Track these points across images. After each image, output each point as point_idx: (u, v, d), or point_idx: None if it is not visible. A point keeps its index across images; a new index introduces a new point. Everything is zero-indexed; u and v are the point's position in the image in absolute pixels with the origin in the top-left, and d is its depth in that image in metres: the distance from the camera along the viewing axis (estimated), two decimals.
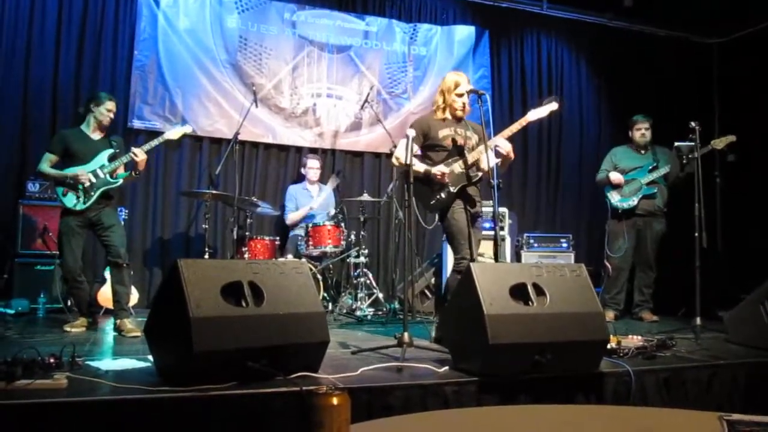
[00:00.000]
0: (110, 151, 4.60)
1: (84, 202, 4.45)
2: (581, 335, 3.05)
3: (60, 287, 5.36)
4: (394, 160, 4.16)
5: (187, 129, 5.00)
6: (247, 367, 2.62)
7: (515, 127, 4.11)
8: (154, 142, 4.68)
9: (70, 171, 4.46)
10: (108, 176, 4.54)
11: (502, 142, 3.97)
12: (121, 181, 4.61)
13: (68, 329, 4.36)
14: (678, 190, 5.63)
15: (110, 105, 4.64)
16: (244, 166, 6.53)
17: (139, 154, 4.52)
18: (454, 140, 4.09)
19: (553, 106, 4.20)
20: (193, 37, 6.46)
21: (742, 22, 7.71)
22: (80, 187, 4.45)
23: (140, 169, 4.64)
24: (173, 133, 4.80)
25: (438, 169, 4.00)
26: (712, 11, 7.58)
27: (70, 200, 4.44)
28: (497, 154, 3.99)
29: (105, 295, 5.13)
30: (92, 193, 4.46)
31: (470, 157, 4.07)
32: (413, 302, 5.73)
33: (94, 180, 4.47)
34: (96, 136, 4.64)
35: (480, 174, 4.10)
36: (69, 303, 5.28)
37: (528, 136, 7.58)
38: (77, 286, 4.52)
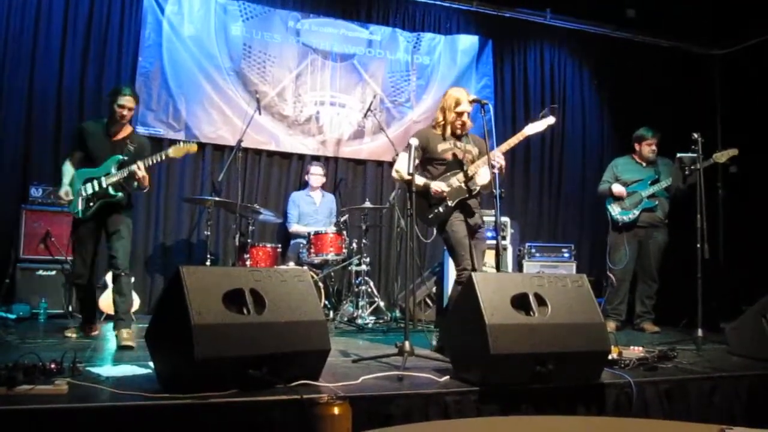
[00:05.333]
0: (118, 158, 4.29)
1: (84, 212, 4.29)
2: (583, 346, 3.05)
3: (64, 292, 5.36)
4: (394, 173, 4.18)
5: (192, 148, 4.57)
6: (247, 375, 2.62)
7: (513, 141, 4.15)
8: (156, 158, 4.34)
9: (79, 176, 4.31)
10: (111, 188, 4.26)
11: (498, 157, 3.96)
12: (120, 195, 4.31)
13: (69, 335, 4.34)
14: (680, 201, 5.63)
15: (123, 100, 4.28)
16: (246, 174, 6.54)
17: (141, 170, 4.20)
18: (454, 154, 4.10)
19: (550, 120, 4.23)
20: (198, 44, 6.49)
21: (745, 34, 7.72)
22: (82, 195, 4.27)
23: (144, 186, 4.31)
24: (176, 150, 4.42)
25: (437, 185, 4.01)
26: (714, 23, 7.61)
27: (74, 206, 4.32)
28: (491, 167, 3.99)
29: (106, 301, 5.12)
30: (92, 204, 4.28)
31: (469, 171, 4.08)
32: (414, 311, 5.72)
33: (90, 191, 4.26)
34: (116, 133, 4.34)
35: (478, 187, 4.11)
36: (71, 308, 5.29)
37: (530, 146, 7.58)
38: (79, 288, 4.45)
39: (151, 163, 4.30)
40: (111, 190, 4.27)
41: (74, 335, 4.36)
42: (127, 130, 4.44)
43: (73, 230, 4.45)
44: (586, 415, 2.95)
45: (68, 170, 4.39)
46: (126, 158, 4.30)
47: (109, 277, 5.03)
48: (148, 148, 4.49)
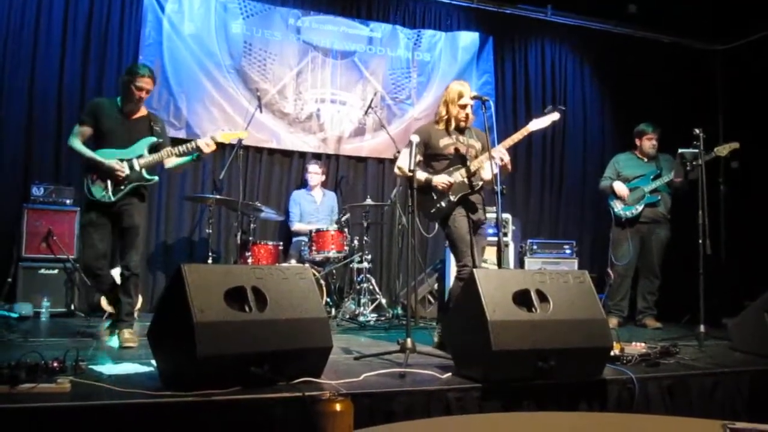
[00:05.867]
0: (152, 140, 4.08)
1: (113, 194, 3.98)
2: (584, 342, 3.04)
3: (66, 291, 5.36)
4: (396, 170, 4.17)
5: (243, 134, 4.45)
6: (249, 373, 2.62)
7: (517, 137, 4.13)
8: (188, 147, 4.18)
9: (104, 157, 3.98)
10: (144, 171, 4.03)
11: (502, 153, 3.96)
12: (156, 179, 4.15)
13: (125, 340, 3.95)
14: (681, 197, 5.62)
15: (142, 82, 4.01)
16: (247, 171, 6.55)
17: (210, 146, 4.07)
18: (456, 149, 4.09)
19: (555, 116, 4.22)
20: (198, 42, 6.49)
21: (746, 30, 7.71)
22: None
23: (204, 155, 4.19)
24: (225, 136, 4.31)
25: (441, 179, 4.00)
26: (715, 18, 7.59)
27: (99, 191, 3.99)
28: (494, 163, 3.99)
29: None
30: (122, 187, 4.00)
31: (472, 166, 4.07)
32: (416, 308, 5.73)
33: (128, 172, 4.00)
34: (133, 113, 4.10)
35: (481, 182, 4.11)
36: (72, 307, 5.30)
37: (532, 142, 7.57)
38: (98, 280, 4.20)
39: (185, 150, 4.15)
40: (146, 174, 4.08)
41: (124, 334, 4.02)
42: (144, 109, 4.22)
43: (83, 218, 4.17)
44: (588, 411, 2.95)
45: (85, 148, 4.04)
46: (160, 140, 4.14)
47: (114, 273, 5.02)
48: (166, 128, 4.40)
